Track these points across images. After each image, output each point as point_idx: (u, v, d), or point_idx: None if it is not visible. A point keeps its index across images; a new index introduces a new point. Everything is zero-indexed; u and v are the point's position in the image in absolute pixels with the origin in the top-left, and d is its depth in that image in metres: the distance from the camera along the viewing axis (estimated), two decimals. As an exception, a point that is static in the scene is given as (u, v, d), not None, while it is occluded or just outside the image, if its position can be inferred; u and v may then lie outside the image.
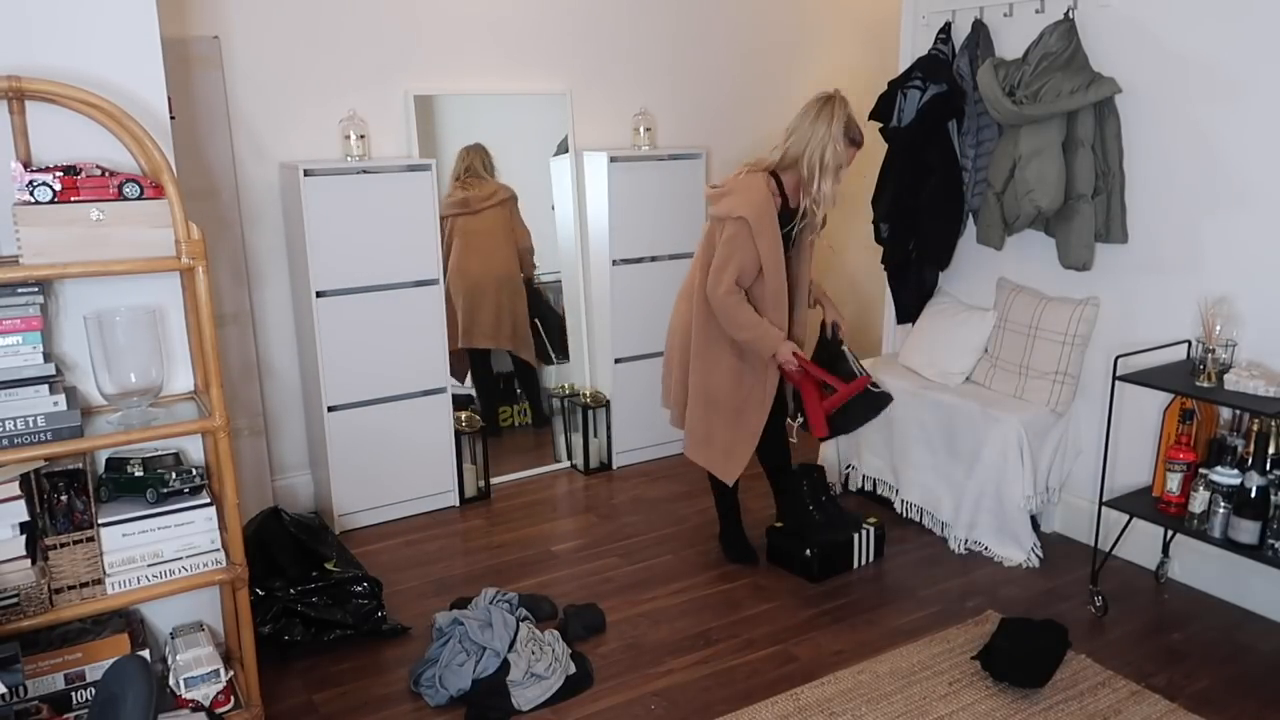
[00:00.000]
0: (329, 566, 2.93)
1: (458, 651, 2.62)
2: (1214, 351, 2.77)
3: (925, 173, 3.61)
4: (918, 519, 3.62)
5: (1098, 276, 3.30)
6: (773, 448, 3.31)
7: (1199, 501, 2.75)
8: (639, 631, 2.92)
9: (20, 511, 1.99)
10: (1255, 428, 2.67)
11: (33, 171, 2.00)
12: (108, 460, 2.24)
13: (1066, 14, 3.18)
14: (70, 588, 2.09)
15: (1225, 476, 2.68)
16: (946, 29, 3.64)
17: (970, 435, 3.38)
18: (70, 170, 2.02)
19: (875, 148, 3.91)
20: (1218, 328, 2.81)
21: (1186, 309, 3.04)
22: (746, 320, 2.97)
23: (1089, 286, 3.33)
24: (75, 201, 2.01)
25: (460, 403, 3.95)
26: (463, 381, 4.11)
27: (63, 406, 2.02)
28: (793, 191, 3.03)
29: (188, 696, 2.22)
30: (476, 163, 3.98)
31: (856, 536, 3.30)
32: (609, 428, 4.22)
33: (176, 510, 2.19)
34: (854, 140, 3.00)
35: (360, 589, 2.89)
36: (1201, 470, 2.78)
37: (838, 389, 3.08)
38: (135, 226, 2.05)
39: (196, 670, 2.23)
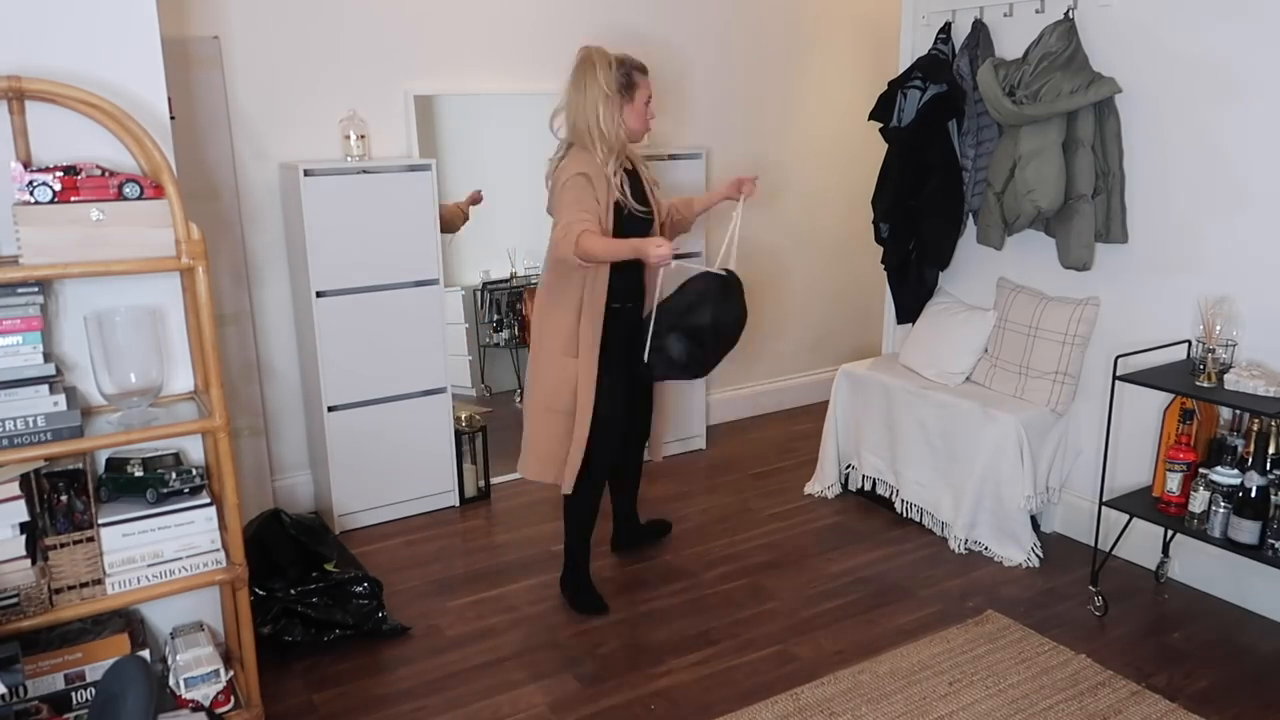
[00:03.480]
0: (329, 567, 2.93)
1: None
2: (1214, 351, 2.77)
3: (925, 173, 3.60)
4: (918, 519, 3.62)
5: (1098, 276, 3.30)
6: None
7: (1199, 501, 2.75)
8: (639, 631, 2.92)
9: (20, 511, 1.99)
10: (1255, 428, 2.67)
11: (33, 171, 2.00)
12: (108, 460, 2.24)
13: (1066, 14, 3.18)
14: (70, 588, 2.09)
15: (1225, 476, 2.68)
16: (946, 29, 3.64)
17: (970, 435, 3.38)
18: (70, 170, 2.02)
19: (875, 147, 3.91)
20: (1218, 328, 2.81)
21: (1186, 309, 3.04)
22: (605, 244, 2.72)
23: (1089, 286, 3.33)
24: (75, 201, 2.01)
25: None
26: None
27: (63, 406, 2.02)
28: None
29: (188, 696, 2.22)
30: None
31: None
32: (609, 428, 4.22)
33: (176, 510, 2.19)
34: (621, 86, 2.77)
35: (360, 589, 2.89)
36: (1201, 470, 2.78)
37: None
38: (135, 226, 2.05)
39: (196, 670, 2.23)
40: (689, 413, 4.45)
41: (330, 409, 3.56)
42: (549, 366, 2.88)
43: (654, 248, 2.68)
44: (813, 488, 3.96)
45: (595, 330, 2.83)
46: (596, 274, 2.80)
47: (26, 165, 2.06)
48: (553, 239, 2.77)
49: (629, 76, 2.79)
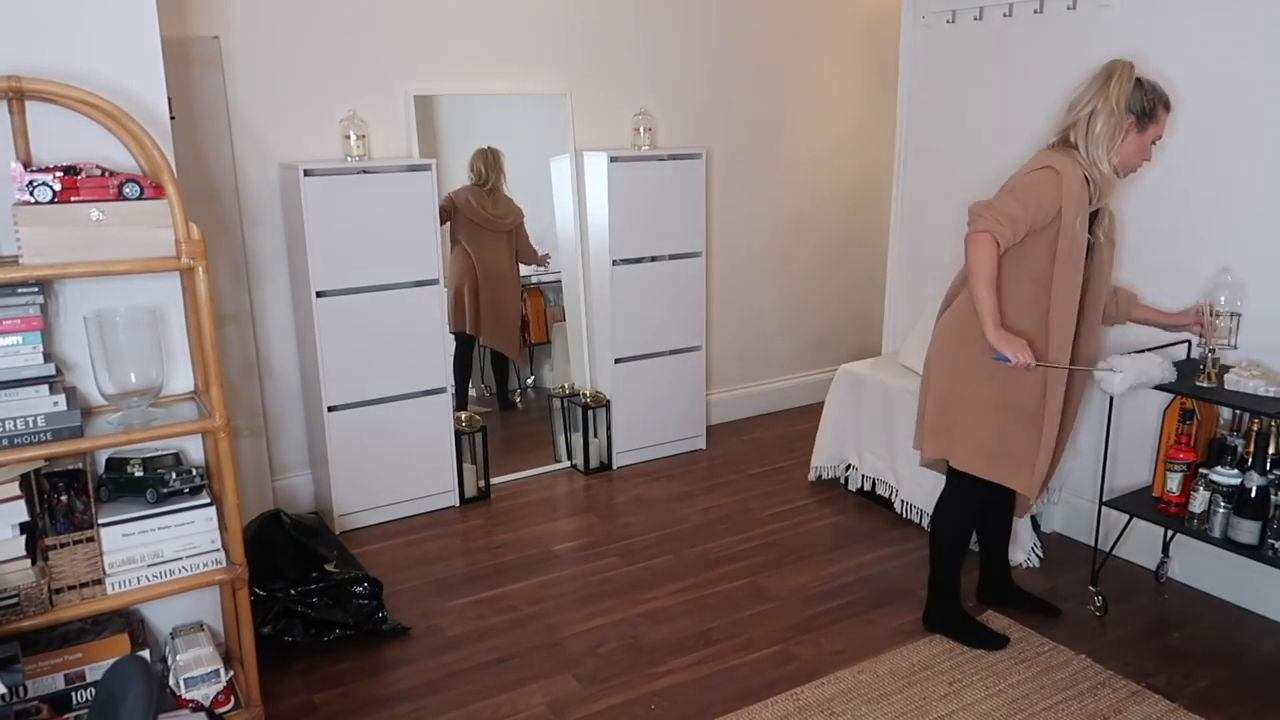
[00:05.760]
0: (329, 568, 2.93)
1: None
2: (1215, 351, 2.77)
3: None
4: (917, 520, 3.62)
5: (1098, 276, 3.30)
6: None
7: (1199, 501, 2.75)
8: (639, 631, 2.92)
9: (20, 511, 1.99)
10: (1255, 428, 2.67)
11: (33, 171, 2.00)
12: (108, 460, 2.24)
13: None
14: (70, 588, 2.08)
15: (1225, 476, 2.68)
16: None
17: (970, 435, 3.38)
18: (70, 170, 2.02)
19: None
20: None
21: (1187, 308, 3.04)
22: (990, 274, 2.47)
23: (1089, 286, 3.33)
24: (75, 201, 2.00)
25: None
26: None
27: (63, 406, 2.02)
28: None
29: (188, 696, 2.22)
30: (494, 175, 4.08)
31: None
32: (609, 428, 4.22)
33: (176, 510, 2.19)
34: (1139, 110, 2.51)
35: (360, 589, 2.89)
36: (1201, 470, 2.78)
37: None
38: (135, 226, 2.05)
39: (196, 670, 2.23)
40: (689, 413, 4.45)
41: (330, 409, 3.56)
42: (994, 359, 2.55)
43: (1017, 350, 2.46)
44: (811, 475, 4.04)
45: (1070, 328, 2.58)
46: (1068, 282, 2.53)
47: (26, 165, 2.06)
48: (973, 210, 2.50)
49: (1151, 106, 2.53)
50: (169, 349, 2.30)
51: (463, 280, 4.11)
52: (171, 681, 2.24)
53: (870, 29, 4.87)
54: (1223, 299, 2.78)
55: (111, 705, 1.67)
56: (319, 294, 3.46)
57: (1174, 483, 2.83)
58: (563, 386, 4.33)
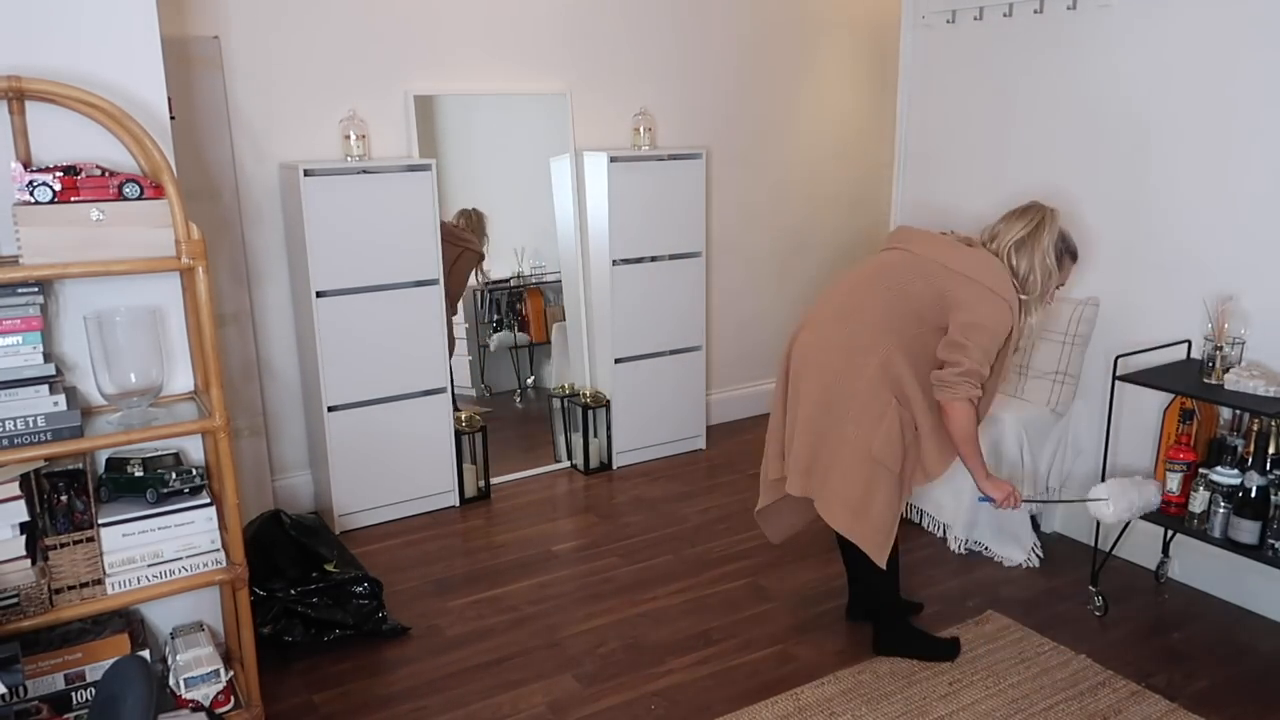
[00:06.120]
0: (329, 568, 2.93)
1: None
2: (1222, 349, 2.77)
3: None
4: (917, 520, 3.62)
5: (1098, 276, 3.30)
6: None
7: (1199, 501, 2.75)
8: (639, 631, 2.92)
9: (20, 511, 1.99)
10: (1255, 428, 2.67)
11: (33, 171, 2.00)
12: (108, 460, 2.24)
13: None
14: (70, 588, 2.08)
15: (1225, 476, 2.68)
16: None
17: (970, 435, 3.38)
18: (70, 170, 2.02)
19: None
20: (1226, 325, 2.80)
21: (1187, 308, 3.03)
22: (975, 435, 2.53)
23: (1089, 286, 3.33)
24: (75, 201, 2.00)
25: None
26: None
27: (63, 406, 2.02)
28: None
29: (188, 696, 2.22)
30: (477, 226, 4.08)
31: None
32: (609, 428, 4.22)
33: (176, 510, 2.19)
34: (1069, 253, 2.66)
35: (360, 589, 2.89)
36: (1201, 470, 2.78)
37: None
38: (135, 226, 2.05)
39: (196, 670, 2.23)
40: (689, 413, 4.45)
41: (330, 409, 3.56)
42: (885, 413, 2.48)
43: (1007, 492, 2.62)
44: None
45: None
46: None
47: (26, 165, 2.06)
48: (947, 376, 2.45)
49: (1059, 256, 2.61)
50: (169, 349, 2.30)
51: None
52: (171, 681, 2.24)
53: (870, 29, 4.86)
54: (1226, 327, 2.79)
55: (111, 705, 1.66)
56: (319, 294, 3.46)
57: (1174, 483, 2.83)
58: (563, 386, 4.33)
